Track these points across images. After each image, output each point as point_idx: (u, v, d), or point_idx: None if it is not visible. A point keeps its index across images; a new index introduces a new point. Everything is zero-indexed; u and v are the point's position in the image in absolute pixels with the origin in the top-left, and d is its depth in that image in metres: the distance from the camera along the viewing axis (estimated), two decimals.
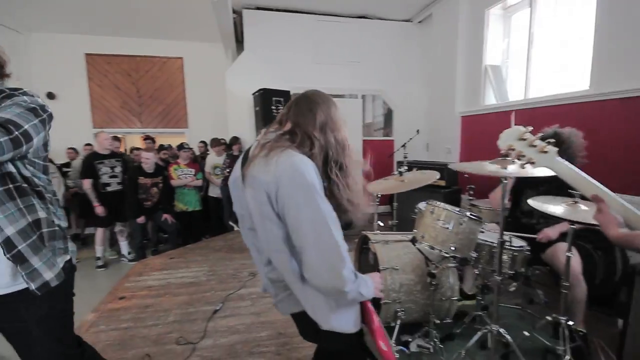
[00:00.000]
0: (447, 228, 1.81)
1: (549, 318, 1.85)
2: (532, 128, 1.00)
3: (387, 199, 4.75)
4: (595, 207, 0.93)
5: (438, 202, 1.92)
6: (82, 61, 5.88)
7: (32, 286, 1.01)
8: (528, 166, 1.34)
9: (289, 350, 1.96)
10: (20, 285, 1.02)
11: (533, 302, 2.48)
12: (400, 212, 3.39)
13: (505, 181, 1.72)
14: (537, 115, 3.39)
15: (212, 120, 6.13)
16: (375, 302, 1.58)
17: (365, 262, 2.36)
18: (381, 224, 2.68)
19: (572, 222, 1.67)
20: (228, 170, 4.47)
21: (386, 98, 5.77)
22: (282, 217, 0.88)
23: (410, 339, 2.02)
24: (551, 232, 2.01)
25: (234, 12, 5.03)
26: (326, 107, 1.02)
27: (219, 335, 2.09)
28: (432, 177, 2.29)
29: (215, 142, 4.72)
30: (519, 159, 0.98)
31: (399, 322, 2.00)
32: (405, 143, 4.82)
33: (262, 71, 5.04)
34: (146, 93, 6.22)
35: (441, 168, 3.91)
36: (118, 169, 3.81)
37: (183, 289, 2.74)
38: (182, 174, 4.19)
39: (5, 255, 0.97)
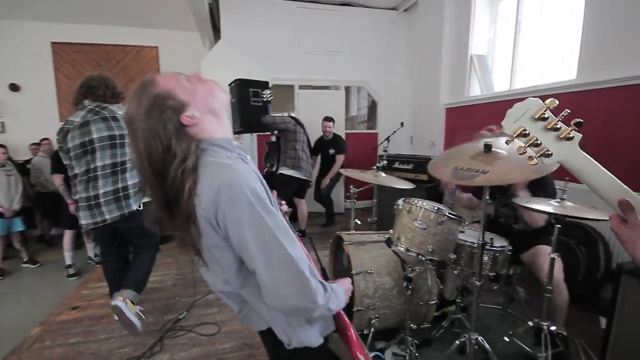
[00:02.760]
0: (425, 228, 1.66)
1: (530, 323, 1.73)
2: (557, 102, 0.68)
3: (368, 193, 4.61)
4: (617, 216, 0.67)
5: (415, 200, 1.77)
6: (48, 50, 5.51)
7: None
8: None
9: None
10: None
11: (514, 300, 2.37)
12: (381, 208, 3.25)
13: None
14: None
15: None
16: (348, 309, 1.42)
17: (341, 264, 2.20)
18: (358, 222, 2.53)
19: (559, 220, 1.55)
20: None
21: (370, 90, 5.60)
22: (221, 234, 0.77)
23: (384, 347, 1.89)
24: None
25: None
26: None
27: (177, 348, 1.91)
28: (403, 184, 2.14)
29: None
30: (528, 151, 0.68)
31: (372, 329, 1.85)
32: (389, 136, 4.69)
33: (240, 61, 4.78)
34: (119, 84, 5.89)
35: (424, 162, 3.79)
36: None
37: (145, 296, 2.54)
38: None
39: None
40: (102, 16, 5.29)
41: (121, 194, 1.90)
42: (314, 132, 4.56)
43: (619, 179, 0.65)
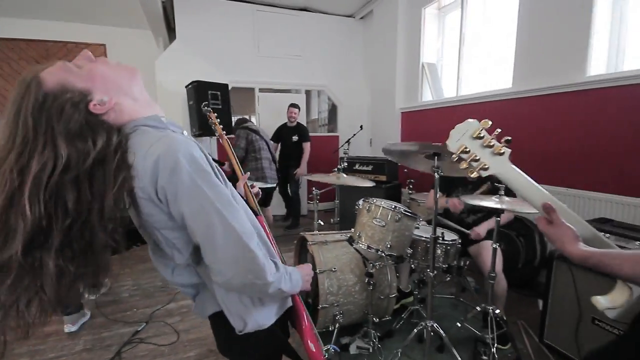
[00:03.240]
0: (383, 226, 1.76)
1: (478, 308, 1.91)
2: (490, 123, 0.80)
3: (331, 195, 4.71)
4: (544, 218, 0.78)
5: (374, 199, 1.87)
6: None
7: None
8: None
9: None
10: None
11: (465, 290, 2.58)
12: (344, 208, 3.35)
13: (437, 176, 1.70)
14: (467, 112, 3.57)
15: None
16: (313, 307, 1.44)
17: None
18: (322, 223, 2.59)
19: (499, 214, 1.73)
20: None
21: (330, 94, 5.73)
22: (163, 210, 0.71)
23: (349, 342, 1.96)
24: (481, 230, 2.08)
25: None
26: None
27: None
28: (364, 183, 2.24)
29: None
30: (470, 165, 0.79)
31: (337, 325, 1.92)
32: (349, 139, 4.82)
33: (198, 62, 4.66)
34: None
35: (382, 163, 3.97)
36: None
37: (98, 310, 2.39)
38: None
39: None
40: (42, 10, 4.87)
41: None
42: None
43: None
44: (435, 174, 1.65)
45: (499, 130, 0.79)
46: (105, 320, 2.23)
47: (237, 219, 0.72)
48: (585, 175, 2.52)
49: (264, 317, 0.85)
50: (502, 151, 0.77)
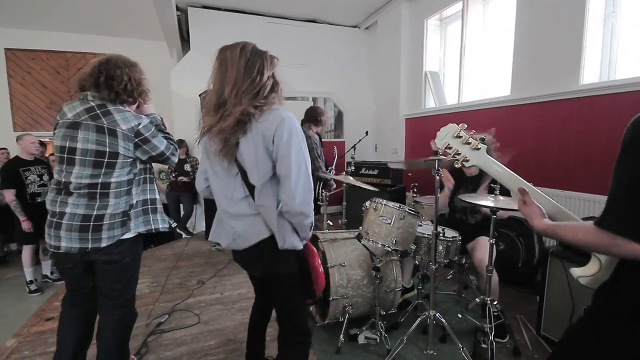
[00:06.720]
0: (389, 223, 1.92)
1: (477, 300, 2.04)
2: (466, 126, 1.04)
3: (337, 200, 4.87)
4: (520, 199, 0.93)
5: (380, 199, 2.02)
6: (2, 57, 5.24)
7: None
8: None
9: (239, 356, 1.93)
10: None
11: (467, 287, 2.71)
12: (350, 211, 3.51)
13: (439, 172, 1.82)
14: (468, 119, 3.72)
15: None
16: (325, 299, 1.65)
17: None
18: (330, 224, 2.75)
19: (495, 212, 1.86)
20: (174, 174, 4.27)
21: (336, 100, 5.92)
22: (271, 153, 1.15)
23: (358, 332, 2.10)
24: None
25: (178, 9, 4.83)
26: None
27: (163, 349, 1.99)
28: (369, 187, 2.39)
29: None
30: (455, 157, 1.03)
31: (347, 316, 2.06)
32: (355, 145, 4.98)
33: (210, 72, 4.88)
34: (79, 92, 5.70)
35: (387, 167, 4.13)
36: (46, 177, 3.45)
37: None
38: None
39: None
40: (62, 23, 5.15)
41: (91, 222, 1.43)
42: None
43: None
44: (437, 175, 1.80)
45: (474, 131, 1.03)
46: None
47: (309, 171, 1.18)
48: (579, 178, 2.66)
49: (296, 242, 1.22)
50: (478, 147, 1.00)
